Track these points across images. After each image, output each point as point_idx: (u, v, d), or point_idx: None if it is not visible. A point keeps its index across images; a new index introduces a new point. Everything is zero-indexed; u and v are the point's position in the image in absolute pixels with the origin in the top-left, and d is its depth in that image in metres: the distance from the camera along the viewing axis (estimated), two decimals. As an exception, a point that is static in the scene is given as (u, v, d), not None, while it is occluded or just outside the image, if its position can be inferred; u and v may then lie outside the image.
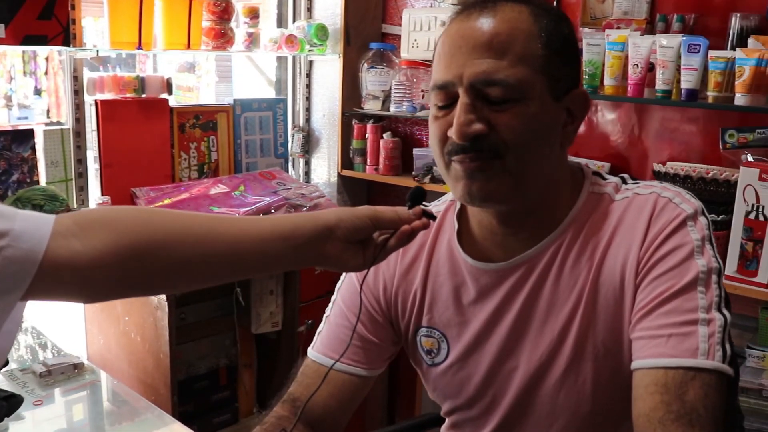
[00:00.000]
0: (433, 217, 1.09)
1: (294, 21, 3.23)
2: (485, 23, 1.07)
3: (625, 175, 1.22)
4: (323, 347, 1.31)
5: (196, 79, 3.67)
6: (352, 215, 1.02)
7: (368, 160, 3.14)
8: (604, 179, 1.21)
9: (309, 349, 1.33)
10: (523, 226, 1.16)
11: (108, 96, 2.59)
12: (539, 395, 1.18)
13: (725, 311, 1.04)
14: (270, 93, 3.37)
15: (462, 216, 1.26)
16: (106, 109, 2.56)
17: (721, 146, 2.27)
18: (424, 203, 1.09)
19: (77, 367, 1.84)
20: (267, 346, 2.84)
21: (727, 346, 1.02)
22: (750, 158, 2.13)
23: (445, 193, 1.32)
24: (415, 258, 1.28)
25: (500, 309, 1.19)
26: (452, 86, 1.08)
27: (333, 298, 1.35)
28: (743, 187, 1.98)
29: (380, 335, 1.31)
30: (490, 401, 1.23)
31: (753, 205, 1.97)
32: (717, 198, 2.09)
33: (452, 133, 1.07)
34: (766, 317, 2.04)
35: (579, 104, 1.14)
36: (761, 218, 1.96)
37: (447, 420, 1.35)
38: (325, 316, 1.35)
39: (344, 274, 1.35)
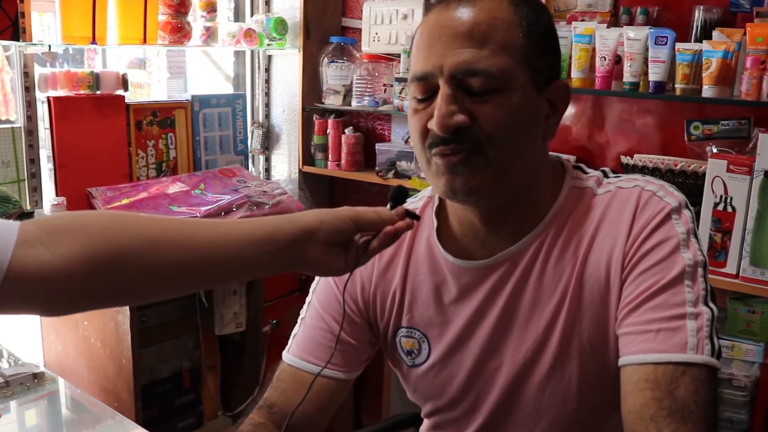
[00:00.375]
0: (417, 217, 1.05)
1: (252, 15, 3.17)
2: (465, 13, 1.04)
3: (606, 169, 1.20)
4: (299, 351, 1.26)
5: (147, 75, 3.59)
6: (334, 217, 0.98)
7: (330, 155, 3.10)
8: (586, 173, 1.18)
9: (284, 353, 1.28)
10: (505, 222, 1.13)
11: (61, 93, 2.50)
12: (524, 394, 1.15)
13: (711, 305, 1.03)
14: (227, 88, 3.30)
15: (441, 213, 1.22)
16: (59, 106, 2.47)
17: (686, 138, 2.28)
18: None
19: (37, 377, 1.75)
20: (231, 348, 2.78)
21: (715, 340, 1.01)
22: (714, 150, 2.14)
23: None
24: (393, 257, 1.24)
25: (483, 307, 1.16)
26: (432, 77, 1.04)
27: (308, 299, 1.31)
28: (711, 179, 1.99)
29: (358, 337, 1.27)
30: (474, 401, 1.21)
31: (721, 196, 1.98)
32: (685, 190, 2.04)
33: (433, 125, 1.03)
34: (735, 307, 2.05)
35: (560, 96, 1.12)
36: (729, 209, 1.97)
37: (427, 421, 1.31)
38: (300, 318, 1.31)
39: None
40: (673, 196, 1.09)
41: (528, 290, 1.13)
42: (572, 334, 1.10)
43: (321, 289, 1.29)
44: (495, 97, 1.02)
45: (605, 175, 1.17)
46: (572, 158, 2.50)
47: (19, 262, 0.78)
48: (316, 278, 1.31)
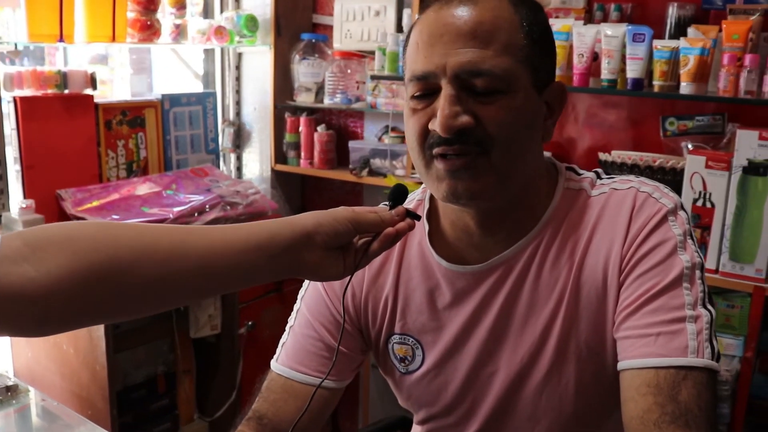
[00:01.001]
0: (418, 217, 1.03)
1: (221, 11, 3.12)
2: (467, 11, 1.01)
3: (599, 170, 1.18)
4: (289, 360, 1.23)
5: (109, 72, 3.50)
6: (332, 219, 0.94)
7: (302, 154, 3.07)
8: (579, 174, 1.17)
9: (273, 362, 1.25)
10: (501, 225, 1.11)
11: (27, 92, 2.44)
12: (520, 399, 1.14)
13: (710, 306, 1.02)
14: (195, 86, 3.25)
15: (432, 216, 1.20)
16: (26, 106, 2.40)
17: (661, 134, 2.29)
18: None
19: (10, 390, 1.69)
20: (206, 351, 2.74)
21: (714, 342, 1.00)
22: (690, 146, 2.15)
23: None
24: (384, 263, 1.21)
25: (478, 312, 1.14)
26: (433, 77, 1.02)
27: (296, 306, 1.28)
28: (690, 175, 2.00)
29: (350, 345, 1.24)
30: (469, 407, 1.19)
31: (700, 192, 1.99)
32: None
33: (436, 126, 1.01)
34: (715, 302, 2.06)
35: (557, 97, 1.10)
36: (708, 205, 1.98)
37: (421, 428, 1.29)
38: (288, 326, 1.27)
39: (307, 280, 1.27)
40: (668, 198, 1.08)
41: (524, 294, 1.12)
42: (569, 338, 1.09)
43: (310, 296, 1.26)
44: (499, 98, 1.00)
45: (598, 176, 1.16)
46: (548, 154, 2.50)
47: (3, 281, 0.72)
48: (305, 284, 1.28)
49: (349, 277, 1.00)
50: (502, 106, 1.00)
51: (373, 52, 2.82)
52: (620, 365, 1.01)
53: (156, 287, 0.84)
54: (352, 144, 2.95)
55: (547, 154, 2.43)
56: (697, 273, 1.03)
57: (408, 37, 1.09)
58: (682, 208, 1.09)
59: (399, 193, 1.03)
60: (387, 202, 1.04)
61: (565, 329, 1.09)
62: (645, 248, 1.04)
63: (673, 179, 2.09)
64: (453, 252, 1.16)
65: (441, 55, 1.01)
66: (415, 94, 1.05)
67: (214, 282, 0.89)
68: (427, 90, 1.03)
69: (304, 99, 3.04)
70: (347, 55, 2.97)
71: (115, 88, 3.75)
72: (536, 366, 1.12)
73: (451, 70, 1.00)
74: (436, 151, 1.02)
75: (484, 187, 1.03)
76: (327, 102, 2.96)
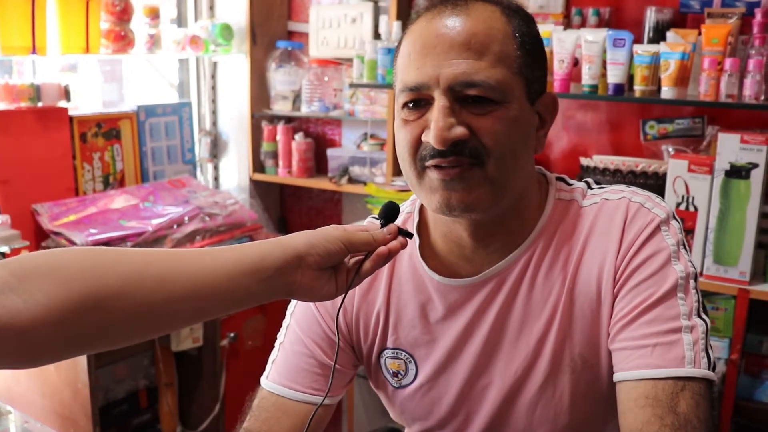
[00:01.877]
0: (410, 235, 1.02)
1: (195, 20, 3.09)
2: (460, 22, 1.00)
3: (589, 180, 1.18)
4: (280, 377, 1.21)
5: (79, 82, 3.46)
6: (323, 239, 0.93)
7: (280, 162, 3.05)
8: (569, 185, 1.16)
9: (263, 379, 1.23)
10: (493, 236, 1.10)
11: (0, 106, 2.39)
12: (515, 411, 1.13)
13: (704, 316, 1.02)
14: (170, 95, 3.21)
15: (423, 228, 1.19)
16: (-1, 120, 2.36)
17: (641, 137, 2.30)
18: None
19: (-4, 411, 1.66)
20: (188, 363, 2.71)
21: (710, 352, 1.00)
22: (671, 149, 2.16)
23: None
24: (375, 277, 1.20)
25: (471, 325, 1.13)
26: (426, 88, 1.00)
27: (286, 322, 1.26)
28: (673, 179, 2.00)
29: (342, 360, 1.22)
30: (463, 420, 1.18)
31: (683, 196, 2.00)
32: (646, 190, 2.10)
33: (430, 138, 0.99)
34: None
35: (549, 109, 1.10)
36: (691, 209, 1.99)
37: (414, 441, 1.28)
38: (278, 342, 1.25)
39: None
40: (660, 207, 1.08)
41: (517, 306, 1.11)
42: (563, 350, 1.09)
43: (300, 312, 1.24)
44: (494, 109, 0.99)
45: (589, 186, 1.16)
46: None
47: None
48: (293, 300, 1.26)
49: (342, 298, 0.98)
50: (496, 117, 0.99)
51: (350, 60, 2.80)
52: (617, 377, 1.01)
53: (146, 314, 0.82)
54: (330, 152, 2.94)
55: (530, 161, 2.45)
56: (692, 283, 1.03)
57: (399, 46, 1.07)
58: (675, 217, 1.09)
59: (391, 211, 1.02)
60: (375, 216, 1.02)
61: (559, 341, 1.08)
62: (639, 259, 1.04)
63: (655, 183, 2.09)
64: (444, 265, 1.15)
65: (434, 66, 0.99)
66: (408, 105, 1.03)
67: (206, 307, 0.87)
68: (419, 101, 1.02)
69: (281, 107, 3.02)
70: (324, 63, 2.96)
71: (85, 97, 3.70)
72: (530, 378, 1.11)
73: (444, 81, 0.98)
74: (429, 162, 1.01)
75: (478, 199, 1.02)
76: (304, 110, 2.94)
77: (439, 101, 0.99)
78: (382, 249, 0.97)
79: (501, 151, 1.00)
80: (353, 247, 0.95)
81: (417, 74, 1.01)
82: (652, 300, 1.01)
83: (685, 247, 1.06)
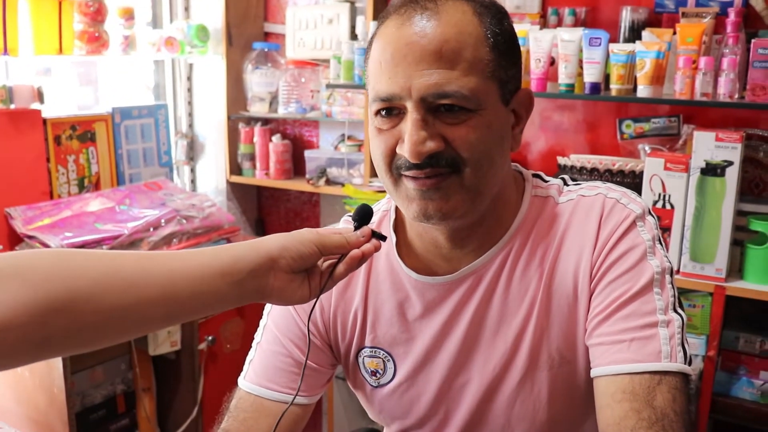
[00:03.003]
0: (383, 238, 1.01)
1: (171, 21, 3.07)
2: (430, 27, 0.98)
3: (565, 177, 1.18)
4: (258, 377, 1.20)
5: (53, 85, 3.43)
6: (296, 242, 0.92)
7: (258, 164, 3.04)
8: (546, 181, 1.17)
9: (240, 379, 1.22)
10: (471, 237, 1.10)
11: (-28, 108, 2.37)
12: (494, 408, 1.14)
13: (680, 311, 1.03)
14: (145, 97, 3.18)
15: (398, 227, 1.19)
16: (-29, 123, 2.33)
17: (618, 136, 2.31)
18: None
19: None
20: (166, 367, 2.68)
21: (686, 346, 1.01)
22: (647, 148, 2.18)
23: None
24: (352, 275, 1.18)
25: (449, 323, 1.13)
26: (399, 99, 0.99)
27: (263, 322, 1.25)
28: (649, 177, 2.02)
29: (320, 360, 1.22)
30: (443, 418, 1.18)
31: (659, 194, 2.01)
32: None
33: (404, 151, 0.98)
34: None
35: (524, 105, 1.09)
36: (668, 207, 2.00)
37: (393, 440, 1.28)
38: (255, 342, 1.24)
39: None
40: (636, 203, 1.08)
41: (494, 304, 1.11)
42: (541, 346, 1.09)
43: (277, 312, 1.23)
44: (468, 118, 0.98)
45: (565, 183, 1.16)
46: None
47: None
48: None
49: (314, 301, 0.98)
50: (471, 126, 0.99)
51: (326, 61, 2.80)
52: (594, 372, 1.01)
53: (118, 317, 0.80)
54: (308, 153, 2.93)
55: (507, 160, 2.47)
56: (667, 278, 1.04)
57: (369, 46, 1.06)
58: (650, 213, 1.09)
59: (364, 214, 1.02)
60: (350, 215, 1.02)
61: (536, 337, 1.09)
62: (615, 254, 1.04)
63: (632, 182, 2.10)
64: (422, 263, 1.15)
65: (406, 76, 0.98)
66: (381, 113, 1.02)
67: (178, 309, 0.86)
68: (393, 110, 1.01)
69: (258, 109, 3.01)
70: (301, 64, 2.95)
71: (60, 101, 3.67)
72: (509, 375, 1.11)
73: (416, 92, 0.97)
74: (406, 173, 1.01)
75: (456, 206, 1.02)
76: (281, 112, 2.93)
77: (412, 114, 0.98)
78: (355, 252, 0.97)
79: (477, 159, 1.00)
80: (326, 249, 0.95)
81: (389, 84, 0.99)
82: (629, 295, 1.01)
83: (660, 243, 1.07)
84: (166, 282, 0.83)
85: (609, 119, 2.35)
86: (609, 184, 1.13)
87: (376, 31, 1.05)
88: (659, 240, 1.07)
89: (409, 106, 0.98)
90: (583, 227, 1.08)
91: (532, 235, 1.10)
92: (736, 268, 2.05)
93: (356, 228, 1.00)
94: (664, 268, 1.04)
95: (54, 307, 0.75)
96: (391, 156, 1.02)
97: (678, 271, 2.02)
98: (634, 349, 0.98)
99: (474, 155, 0.99)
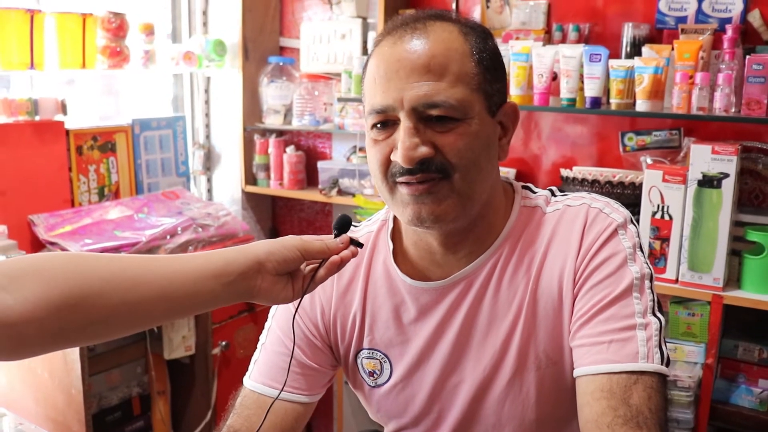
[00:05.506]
0: (360, 245, 1.09)
1: (189, 36, 3.16)
2: (419, 45, 1.07)
3: (554, 188, 1.24)
4: (261, 376, 1.27)
5: (77, 95, 3.53)
6: (281, 246, 1.00)
7: (272, 175, 3.11)
8: (534, 192, 1.23)
9: (246, 378, 1.29)
10: (463, 242, 1.17)
11: (-1, 120, 2.47)
12: (485, 407, 1.19)
13: (659, 314, 1.09)
14: (165, 109, 3.27)
15: (396, 235, 1.25)
16: (-3, 134, 2.43)
17: (620, 149, 2.36)
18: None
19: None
20: (181, 371, 2.76)
21: (664, 348, 1.06)
22: (649, 160, 2.23)
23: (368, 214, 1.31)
24: (351, 280, 1.26)
25: (441, 326, 1.20)
26: (392, 110, 1.07)
27: (267, 324, 1.32)
28: (648, 189, 2.07)
29: (319, 360, 1.29)
30: (437, 417, 1.24)
31: (658, 205, 2.06)
32: (624, 200, 2.17)
33: (398, 157, 1.07)
34: (676, 311, 2.13)
35: (510, 117, 1.17)
36: (666, 217, 2.05)
37: (391, 439, 1.34)
38: (260, 343, 1.32)
39: None
40: (618, 213, 1.15)
41: (484, 307, 1.17)
42: (528, 348, 1.15)
43: (280, 315, 1.30)
44: (456, 126, 1.06)
45: (552, 194, 1.22)
46: (513, 171, 2.57)
47: None
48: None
49: (298, 301, 1.05)
50: (458, 133, 1.06)
51: (339, 74, 2.88)
52: (576, 372, 1.07)
53: (122, 312, 0.90)
54: (321, 164, 3.00)
55: (512, 171, 2.52)
56: (647, 283, 1.10)
57: (365, 67, 1.14)
58: (632, 222, 1.15)
59: (343, 223, 1.09)
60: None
61: (524, 340, 1.15)
62: (597, 261, 1.10)
63: (632, 193, 2.16)
64: (416, 269, 1.21)
65: (398, 89, 1.06)
66: (376, 126, 1.10)
67: (176, 307, 0.95)
68: (387, 121, 1.09)
69: (272, 121, 3.09)
70: (314, 77, 3.02)
71: (84, 112, 3.77)
72: (498, 375, 1.17)
73: (408, 103, 1.06)
74: (400, 179, 1.08)
75: (447, 210, 1.09)
76: (295, 123, 3.01)
77: (405, 122, 1.06)
78: (335, 258, 1.05)
79: (465, 165, 1.07)
80: (309, 254, 1.03)
81: (383, 97, 1.08)
82: (609, 299, 1.07)
83: (641, 250, 1.13)
84: (166, 282, 0.92)
85: (613, 132, 2.40)
86: (594, 195, 1.19)
87: (371, 52, 1.14)
88: (640, 247, 1.13)
89: (402, 116, 1.06)
90: (567, 235, 1.14)
91: (520, 242, 1.17)
92: (735, 278, 2.09)
93: (336, 236, 1.07)
94: (644, 274, 1.09)
95: (68, 303, 0.84)
96: (387, 164, 1.10)
97: (677, 281, 2.07)
98: (612, 350, 1.04)
99: (462, 161, 1.06)
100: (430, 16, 1.12)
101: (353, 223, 1.13)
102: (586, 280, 1.10)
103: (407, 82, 1.06)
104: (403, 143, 1.05)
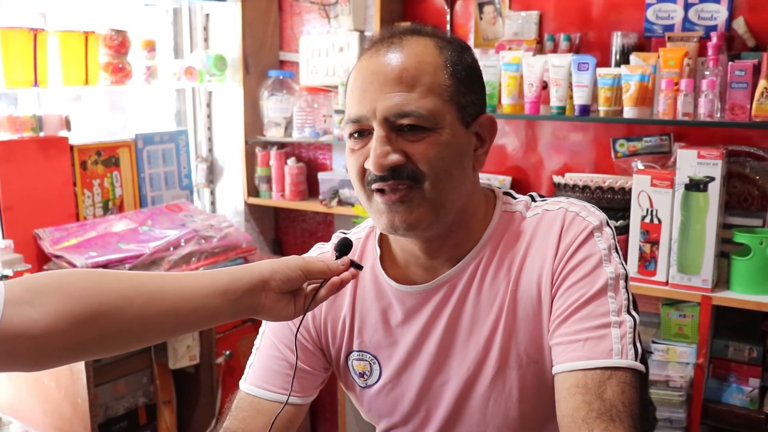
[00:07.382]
0: (360, 267, 1.14)
1: (191, 51, 3.22)
2: (394, 58, 1.12)
3: (534, 194, 1.29)
4: (256, 379, 1.32)
5: (82, 111, 3.59)
6: (285, 266, 1.06)
7: (274, 186, 3.16)
8: (515, 198, 1.28)
9: (241, 382, 1.34)
10: (443, 248, 1.22)
11: (4, 136, 2.52)
12: (470, 405, 1.24)
13: (633, 313, 1.13)
14: (168, 123, 3.34)
15: (383, 241, 1.30)
16: (3, 150, 2.48)
17: (612, 155, 2.41)
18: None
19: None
20: (186, 381, 2.80)
21: (638, 345, 1.10)
22: (640, 165, 2.27)
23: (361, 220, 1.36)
24: None
25: (427, 327, 1.24)
26: (366, 120, 1.12)
27: (262, 330, 1.37)
28: (637, 193, 2.11)
29: (312, 363, 1.33)
30: (425, 416, 1.28)
31: (647, 209, 2.10)
32: (614, 204, 2.22)
33: (369, 165, 1.12)
34: (667, 313, 2.17)
35: (487, 129, 1.21)
36: (656, 221, 2.09)
37: (383, 438, 1.38)
38: (255, 348, 1.36)
39: None
40: (594, 216, 1.19)
41: (467, 309, 1.22)
42: (510, 348, 1.19)
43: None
44: (426, 135, 1.11)
45: (533, 200, 1.27)
46: (508, 179, 2.62)
47: (8, 322, 0.84)
48: None
49: (300, 318, 1.11)
50: (429, 142, 1.11)
51: (338, 87, 2.93)
52: (554, 369, 1.11)
53: (136, 327, 0.96)
54: (321, 175, 3.05)
55: (508, 179, 2.57)
56: (621, 283, 1.14)
57: (347, 80, 1.19)
58: (608, 224, 1.20)
59: (345, 246, 1.15)
60: (322, 243, 1.18)
61: (505, 339, 1.19)
62: (573, 262, 1.15)
63: (622, 198, 2.20)
64: (403, 274, 1.26)
65: (371, 99, 1.11)
66: (353, 135, 1.16)
67: (186, 322, 1.02)
68: (362, 132, 1.14)
69: (273, 133, 3.14)
70: (314, 90, 3.08)
71: (88, 127, 3.83)
72: (482, 374, 1.21)
73: (380, 113, 1.10)
74: (373, 186, 1.13)
75: (419, 218, 1.14)
76: (296, 136, 3.06)
77: (377, 131, 1.11)
78: (335, 279, 1.11)
79: (435, 173, 1.12)
80: (311, 274, 1.09)
81: (358, 108, 1.13)
82: (584, 299, 1.11)
83: (617, 251, 1.17)
84: (177, 299, 0.99)
85: (605, 139, 2.45)
86: (572, 199, 1.24)
87: (354, 66, 1.19)
88: (616, 249, 1.17)
89: (375, 125, 1.11)
90: (545, 238, 1.18)
91: (501, 246, 1.21)
92: (723, 279, 2.13)
93: (337, 257, 1.13)
94: (618, 274, 1.14)
95: (88, 317, 0.90)
96: (363, 172, 1.15)
97: (667, 283, 2.11)
98: (588, 347, 1.08)
99: (432, 170, 1.11)
100: (407, 31, 1.17)
101: (343, 231, 1.18)
102: (563, 281, 1.14)
103: (381, 93, 1.11)
104: (375, 151, 1.10)
